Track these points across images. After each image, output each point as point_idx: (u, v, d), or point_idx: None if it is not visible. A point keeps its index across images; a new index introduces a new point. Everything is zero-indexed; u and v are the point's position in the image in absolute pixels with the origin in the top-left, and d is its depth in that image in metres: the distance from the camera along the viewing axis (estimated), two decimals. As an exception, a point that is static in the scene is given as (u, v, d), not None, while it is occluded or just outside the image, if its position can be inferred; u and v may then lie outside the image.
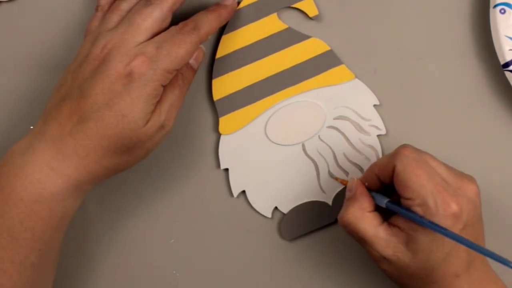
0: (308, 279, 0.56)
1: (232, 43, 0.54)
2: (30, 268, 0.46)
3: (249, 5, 0.54)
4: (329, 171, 0.55)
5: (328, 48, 0.55)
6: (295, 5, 0.55)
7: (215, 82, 0.55)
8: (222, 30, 0.55)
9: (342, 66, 0.55)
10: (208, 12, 0.51)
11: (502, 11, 0.52)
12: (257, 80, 0.55)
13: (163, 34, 0.48)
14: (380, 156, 0.55)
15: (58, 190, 0.46)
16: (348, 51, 0.55)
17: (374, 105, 0.55)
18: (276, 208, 0.56)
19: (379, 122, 0.55)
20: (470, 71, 0.55)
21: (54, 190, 0.46)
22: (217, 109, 0.55)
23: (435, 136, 0.56)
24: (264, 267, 0.56)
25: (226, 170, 0.56)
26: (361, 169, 0.55)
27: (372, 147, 0.55)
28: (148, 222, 0.56)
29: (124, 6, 0.50)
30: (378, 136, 0.55)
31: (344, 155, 0.55)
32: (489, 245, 0.53)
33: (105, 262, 0.56)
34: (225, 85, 0.55)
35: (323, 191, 0.55)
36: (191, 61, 0.51)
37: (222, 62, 0.55)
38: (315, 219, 0.55)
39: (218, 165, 0.56)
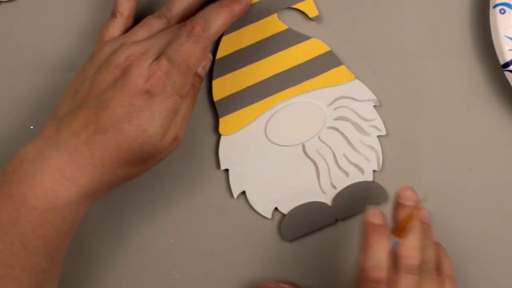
0: (308, 280, 0.56)
1: (232, 43, 0.55)
2: (40, 273, 0.46)
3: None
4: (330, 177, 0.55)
5: (328, 48, 0.55)
6: (295, 6, 0.55)
7: (215, 83, 0.55)
8: (222, 31, 0.55)
9: (342, 67, 0.55)
10: (220, 7, 0.49)
11: (502, 11, 0.52)
12: (257, 81, 0.55)
13: (173, 42, 0.47)
14: (380, 157, 0.55)
15: (71, 198, 0.46)
16: (348, 51, 0.55)
17: (374, 106, 0.55)
18: (276, 208, 0.56)
19: (379, 123, 0.55)
20: (470, 71, 0.55)
21: (67, 198, 0.46)
22: (217, 109, 0.55)
23: (435, 136, 0.56)
24: (264, 267, 0.56)
25: (226, 170, 0.56)
26: (361, 169, 0.55)
27: (372, 147, 0.55)
28: (148, 222, 0.56)
29: (156, 25, 0.50)
30: (378, 136, 0.55)
31: (344, 155, 0.55)
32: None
33: (105, 262, 0.56)
34: (225, 86, 0.55)
35: (323, 192, 0.55)
36: (199, 70, 0.51)
37: (223, 63, 0.55)
38: (315, 220, 0.55)
39: (218, 166, 0.56)
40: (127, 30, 0.51)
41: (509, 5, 0.52)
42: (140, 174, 0.49)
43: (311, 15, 0.55)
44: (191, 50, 0.47)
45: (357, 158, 0.55)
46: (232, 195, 0.55)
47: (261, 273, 0.56)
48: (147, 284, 0.56)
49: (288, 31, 0.55)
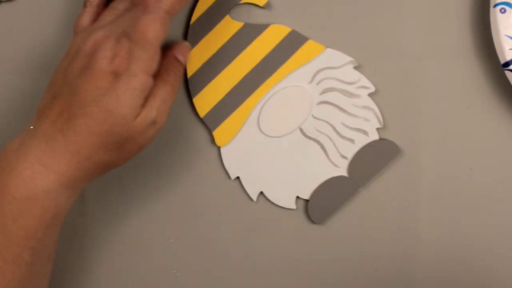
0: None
1: (197, 58, 0.55)
2: (23, 266, 0.46)
3: (200, 17, 0.55)
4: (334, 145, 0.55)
5: (289, 29, 0.55)
6: (243, 1, 0.55)
7: (196, 100, 0.55)
8: (184, 50, 0.55)
9: (309, 42, 0.55)
10: None
11: (502, 10, 0.52)
12: (234, 84, 0.55)
13: (130, 21, 0.47)
14: (379, 113, 0.55)
15: (50, 187, 0.46)
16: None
17: (354, 67, 0.55)
18: (298, 197, 0.56)
19: (365, 81, 0.55)
20: (470, 71, 0.55)
21: (46, 187, 0.46)
22: (207, 124, 0.55)
23: (435, 136, 0.55)
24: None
25: (238, 178, 0.56)
26: (364, 132, 0.55)
27: (367, 107, 0.55)
28: (148, 222, 0.56)
29: (120, 6, 0.51)
30: (369, 94, 0.55)
31: (343, 124, 0.55)
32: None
33: (105, 262, 0.56)
34: (206, 100, 0.55)
35: (336, 166, 0.55)
36: (180, 57, 0.50)
37: (195, 79, 0.55)
38: (339, 195, 0.55)
39: (229, 176, 0.56)
40: (98, 18, 0.52)
41: (509, 4, 0.52)
42: (121, 163, 0.49)
43: (261, 4, 0.55)
44: (147, 22, 0.46)
45: (356, 122, 0.55)
46: (251, 199, 0.56)
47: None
48: (148, 283, 0.56)
49: (245, 26, 0.55)
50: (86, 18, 0.51)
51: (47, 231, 0.47)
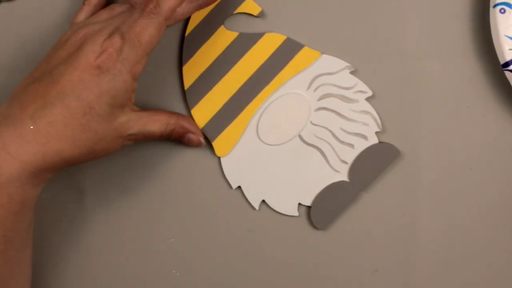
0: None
1: (194, 69, 0.55)
2: None
3: (194, 29, 0.55)
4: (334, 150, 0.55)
5: (285, 37, 0.55)
6: (237, 11, 0.55)
7: (194, 112, 0.55)
8: (180, 62, 0.55)
9: (305, 48, 0.55)
10: None
11: (502, 10, 0.52)
12: (232, 94, 0.55)
13: (127, 20, 0.47)
14: (377, 117, 0.55)
15: (15, 175, 0.45)
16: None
17: (351, 72, 0.55)
18: (299, 204, 0.56)
19: (362, 86, 0.55)
20: (470, 71, 0.55)
21: (11, 175, 0.45)
22: (206, 135, 0.55)
23: (435, 136, 0.55)
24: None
25: (239, 187, 0.56)
26: (363, 136, 0.55)
27: (365, 111, 0.55)
28: (148, 222, 0.56)
29: (118, 8, 0.51)
30: (367, 99, 0.55)
31: (342, 129, 0.55)
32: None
33: (105, 262, 0.56)
34: (204, 111, 0.55)
35: (337, 171, 0.55)
36: (186, 138, 0.53)
37: (192, 91, 0.55)
38: (340, 200, 0.55)
39: (230, 186, 0.56)
40: None
41: (509, 4, 0.52)
42: (85, 161, 0.48)
43: (255, 13, 0.55)
44: (143, 25, 0.46)
45: (355, 127, 0.55)
46: (253, 208, 0.56)
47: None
48: (147, 283, 0.56)
49: (240, 36, 0.55)
50: (83, 16, 0.52)
51: (17, 217, 0.46)
